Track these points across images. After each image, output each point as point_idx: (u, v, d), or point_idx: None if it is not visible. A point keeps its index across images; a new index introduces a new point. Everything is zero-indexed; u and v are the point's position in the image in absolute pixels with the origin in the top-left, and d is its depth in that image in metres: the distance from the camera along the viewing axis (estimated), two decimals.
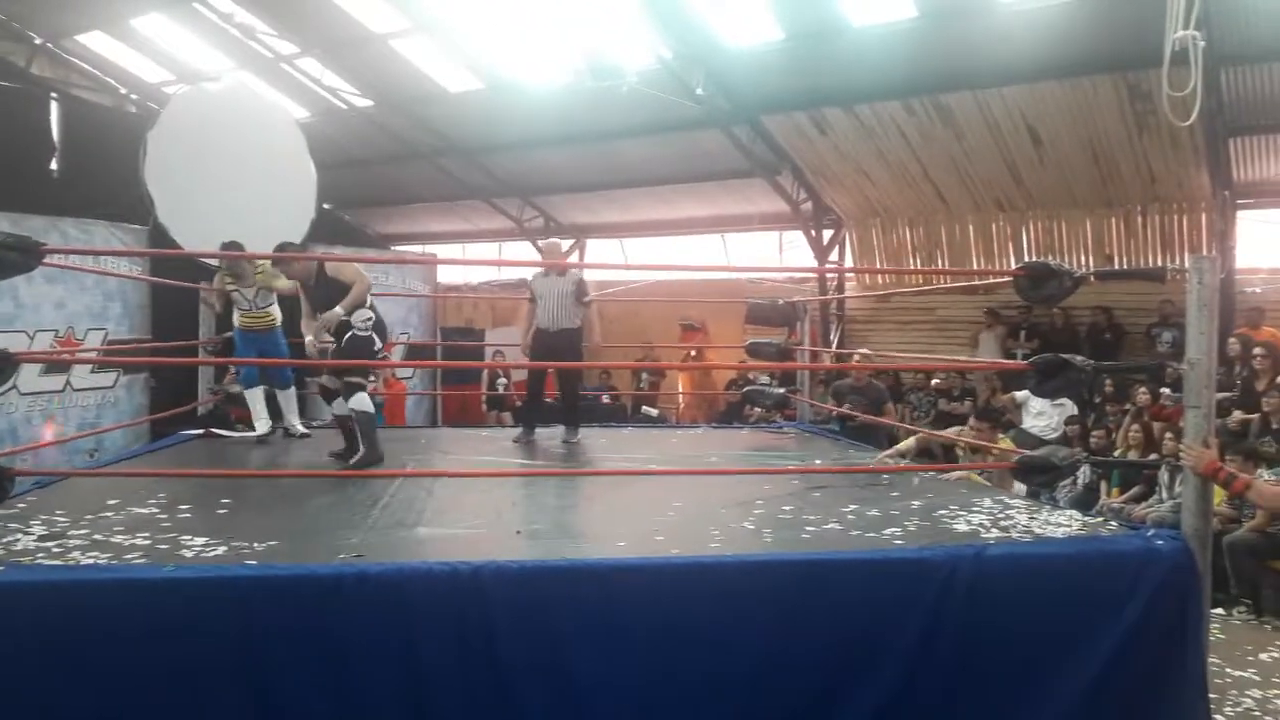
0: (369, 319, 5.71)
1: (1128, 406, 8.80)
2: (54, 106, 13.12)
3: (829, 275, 13.89)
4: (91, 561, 3.39)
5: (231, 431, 6.95)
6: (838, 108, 11.17)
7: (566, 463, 6.29)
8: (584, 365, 8.54)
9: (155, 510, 4.22)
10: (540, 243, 7.34)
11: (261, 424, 6.81)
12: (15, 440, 8.20)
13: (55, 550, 3.52)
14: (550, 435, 7.03)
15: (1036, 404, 9.06)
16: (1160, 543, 3.67)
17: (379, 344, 5.77)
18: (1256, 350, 8.43)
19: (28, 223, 8.33)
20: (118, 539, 3.69)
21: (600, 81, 11.18)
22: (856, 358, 10.50)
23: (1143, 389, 8.70)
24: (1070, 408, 9.06)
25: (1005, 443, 7.03)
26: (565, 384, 7.13)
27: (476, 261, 18.79)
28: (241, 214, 9.11)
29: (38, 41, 15.02)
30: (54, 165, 12.59)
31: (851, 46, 9.96)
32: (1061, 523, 4.20)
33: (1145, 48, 7.20)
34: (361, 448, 5.61)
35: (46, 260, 4.05)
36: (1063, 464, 4.42)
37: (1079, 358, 4.44)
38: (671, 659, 3.33)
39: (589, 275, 7.68)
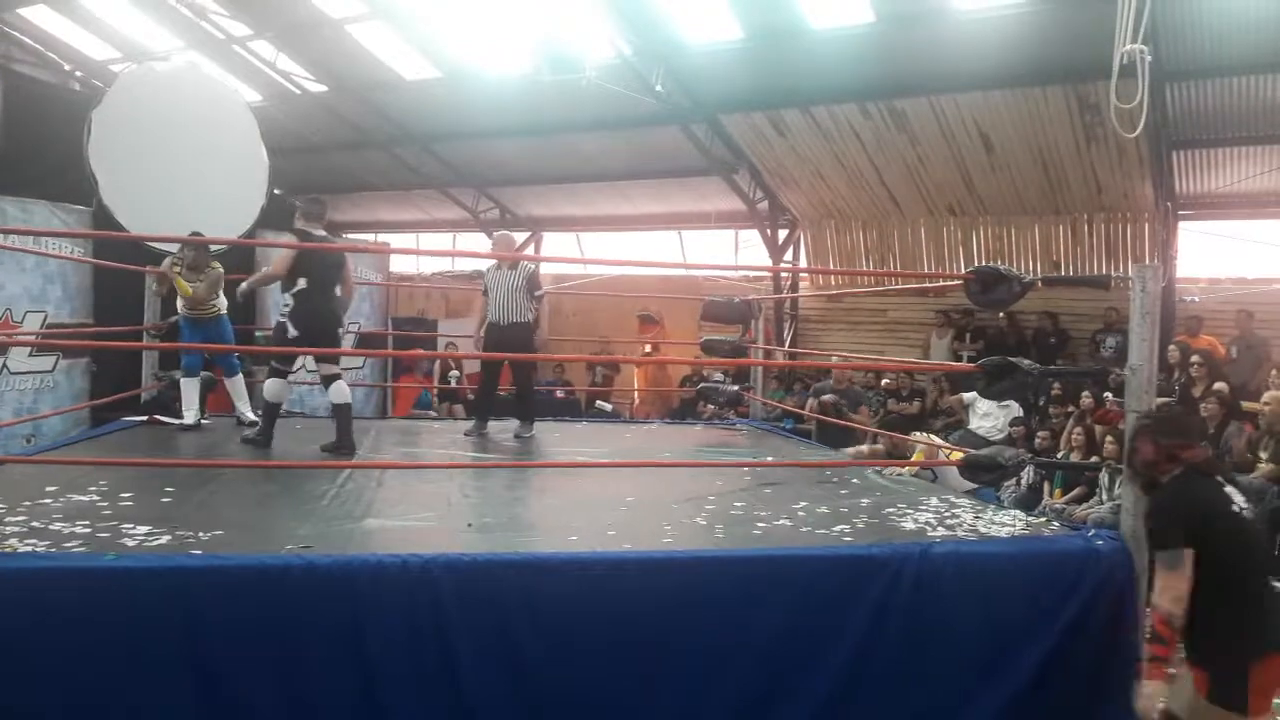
0: (287, 306, 5.73)
1: (1071, 409, 9.00)
2: None
3: (783, 274, 14.00)
4: (30, 549, 3.30)
5: (175, 419, 6.81)
6: (795, 109, 11.25)
7: (519, 456, 6.28)
8: (538, 358, 8.51)
9: (96, 498, 4.13)
10: (494, 235, 7.30)
11: (190, 413, 6.69)
12: None
13: None
14: (503, 429, 7.00)
15: (983, 405, 9.23)
16: (1100, 543, 3.78)
17: (293, 332, 5.71)
18: (1194, 358, 8.69)
19: None
20: (56, 527, 3.61)
21: (559, 75, 11.13)
22: (835, 359, 10.62)
23: (1086, 393, 8.90)
24: (1016, 410, 9.24)
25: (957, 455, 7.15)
26: (519, 377, 7.09)
27: (430, 252, 18.64)
28: (190, 198, 8.91)
29: None
30: None
31: (810, 48, 10.04)
32: (1006, 522, 4.29)
33: (1095, 60, 7.36)
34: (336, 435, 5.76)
35: None
36: (1008, 464, 4.52)
37: (1026, 361, 4.55)
38: (623, 652, 3.34)
39: (545, 269, 7.64)
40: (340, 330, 6.09)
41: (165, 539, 3.50)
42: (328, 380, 5.99)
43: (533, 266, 6.93)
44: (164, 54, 13.52)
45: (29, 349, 8.88)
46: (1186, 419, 3.65)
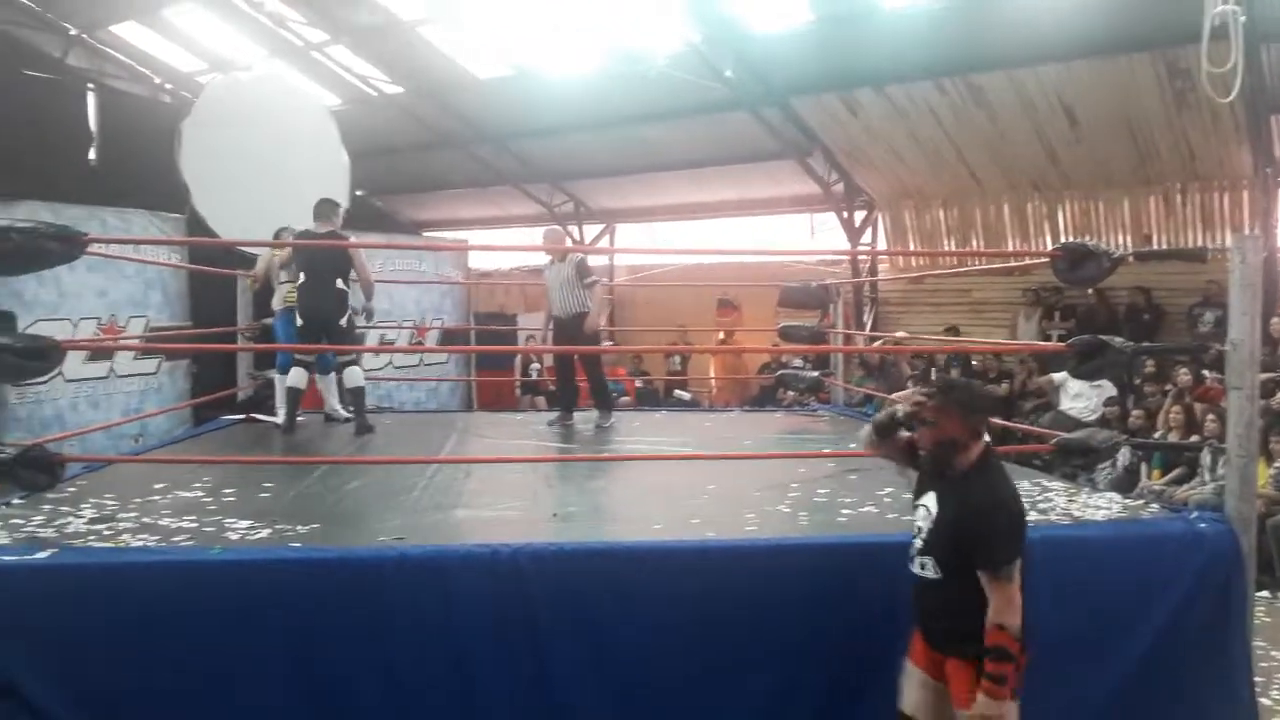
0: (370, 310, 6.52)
1: (1168, 388, 8.68)
2: (90, 97, 13.30)
3: (861, 258, 13.78)
4: (141, 544, 3.47)
5: (271, 416, 7.06)
6: (869, 88, 11.05)
7: (600, 447, 6.33)
8: (607, 350, 8.55)
9: (200, 494, 4.31)
10: (542, 231, 7.41)
11: (281, 412, 6.84)
12: (62, 426, 8.38)
13: (106, 533, 3.61)
14: (586, 419, 7.06)
15: (1075, 386, 8.96)
16: (1203, 526, 3.64)
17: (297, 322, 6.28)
18: None
19: (67, 212, 8.45)
20: (165, 522, 3.78)
21: (629, 66, 11.14)
22: (893, 340, 10.44)
23: (1184, 370, 8.57)
24: (1109, 389, 8.95)
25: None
26: (587, 369, 7.10)
27: (504, 247, 18.83)
28: (275, 201, 9.19)
29: (73, 33, 15.19)
30: (92, 155, 12.77)
31: (882, 27, 9.85)
32: (1101, 505, 4.17)
33: (1183, 24, 7.07)
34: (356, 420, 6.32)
35: (88, 249, 4.13)
36: (1102, 446, 4.38)
37: (1118, 339, 4.39)
38: (709, 640, 3.36)
39: (619, 260, 7.67)
40: (345, 320, 6.35)
41: (265, 533, 3.65)
42: (342, 365, 6.47)
43: (580, 256, 6.97)
44: (247, 64, 13.97)
45: (133, 353, 9.31)
46: (986, 390, 3.29)
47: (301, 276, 6.15)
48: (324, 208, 6.36)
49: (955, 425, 2.89)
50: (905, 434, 3.11)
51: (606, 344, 9.45)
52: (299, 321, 6.23)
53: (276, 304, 6.98)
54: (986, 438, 2.96)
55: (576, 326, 6.70)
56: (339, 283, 6.17)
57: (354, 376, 6.33)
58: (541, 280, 7.17)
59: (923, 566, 2.94)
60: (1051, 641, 3.45)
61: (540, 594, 3.28)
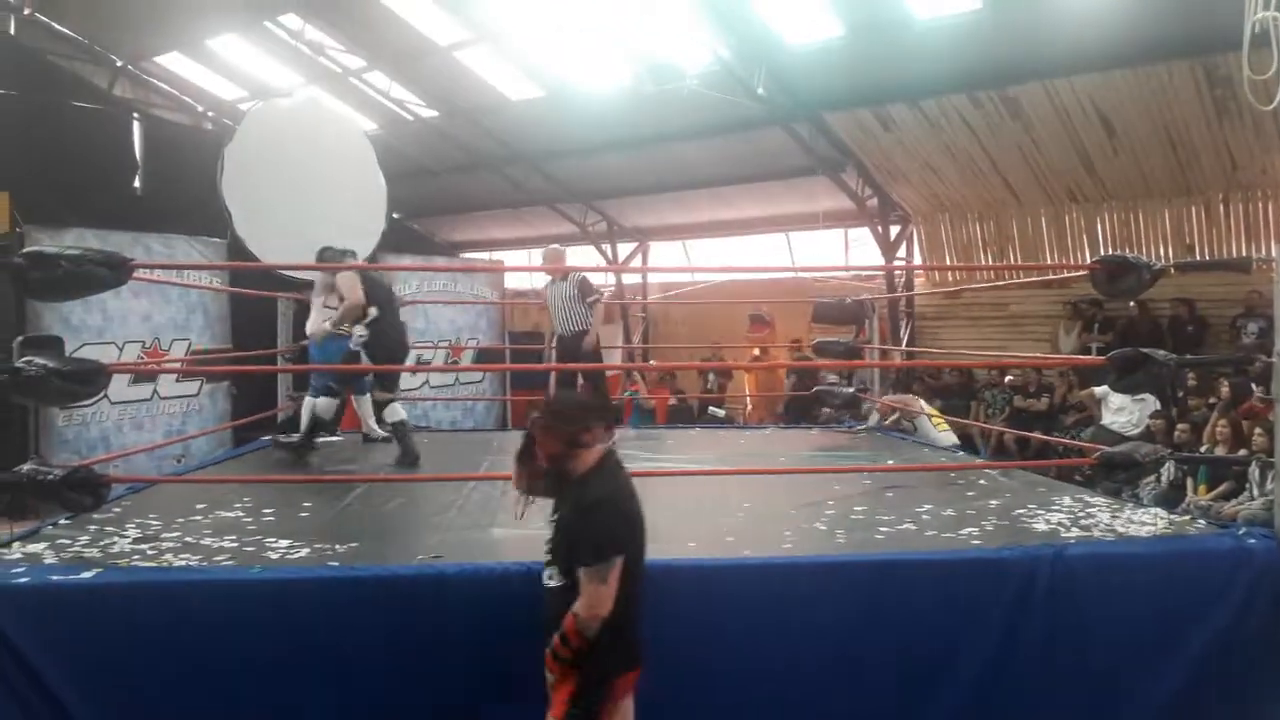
0: (363, 337, 6.01)
1: (1213, 400, 8.51)
2: (136, 126, 13.66)
3: (896, 272, 13.68)
4: (184, 563, 3.53)
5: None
6: (902, 103, 11.01)
7: (633, 464, 6.30)
8: (614, 367, 8.54)
9: (241, 514, 4.36)
10: (542, 251, 7.45)
11: (298, 435, 6.78)
12: (107, 447, 8.55)
13: (150, 553, 3.67)
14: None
15: (1116, 399, 8.81)
16: (1253, 541, 3.56)
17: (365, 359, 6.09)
18: None
19: (113, 238, 8.67)
20: (207, 541, 3.83)
21: (660, 84, 11.20)
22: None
23: (1227, 382, 8.40)
24: (1152, 403, 8.79)
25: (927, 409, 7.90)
26: (594, 386, 7.02)
27: (539, 268, 18.89)
28: (315, 225, 9.34)
29: (119, 64, 15.60)
30: (137, 183, 13.11)
31: (915, 40, 9.81)
32: (1146, 521, 4.09)
33: (1223, 31, 6.96)
34: (400, 450, 6.09)
35: (133, 275, 4.21)
36: (1146, 460, 4.30)
37: (1160, 352, 4.31)
38: (746, 659, 3.33)
39: (653, 279, 7.67)
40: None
41: (305, 551, 3.68)
42: (381, 406, 6.39)
43: (582, 275, 6.97)
44: (287, 90, 14.23)
45: (176, 375, 9.48)
46: (580, 399, 3.25)
47: (373, 312, 6.08)
48: (329, 254, 6.44)
49: (555, 439, 2.96)
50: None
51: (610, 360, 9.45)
52: (366, 357, 6.07)
53: (312, 327, 6.99)
54: (604, 444, 2.99)
55: (578, 344, 6.72)
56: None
57: (394, 412, 6.27)
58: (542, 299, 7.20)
59: (550, 577, 2.93)
60: (1096, 660, 3.39)
61: None
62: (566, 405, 3.16)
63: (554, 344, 6.89)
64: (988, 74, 10.16)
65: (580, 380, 6.94)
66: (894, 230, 13.37)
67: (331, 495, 4.84)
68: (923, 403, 8.11)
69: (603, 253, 16.87)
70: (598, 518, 2.82)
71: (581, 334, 6.73)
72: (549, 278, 7.04)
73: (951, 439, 7.60)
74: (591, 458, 2.95)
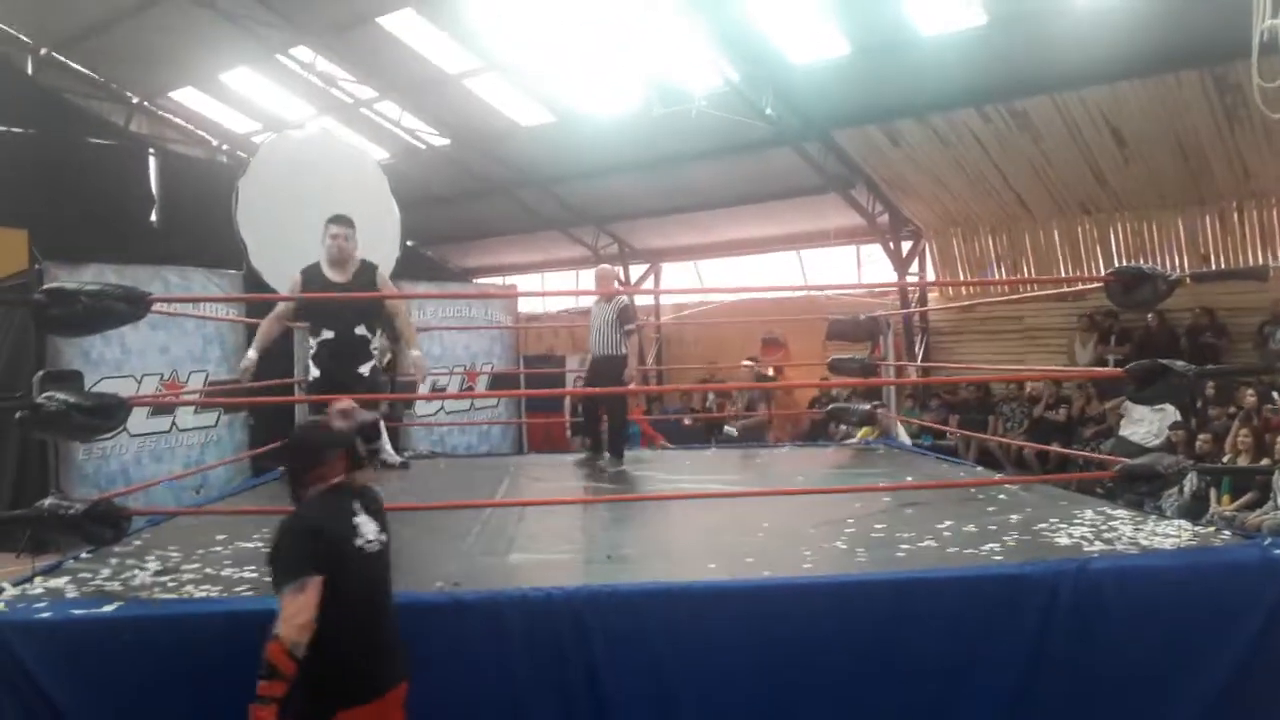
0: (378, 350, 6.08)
1: (1233, 410, 8.43)
2: (152, 161, 13.82)
3: (909, 288, 13.66)
4: (204, 594, 3.53)
5: None
6: (910, 119, 11.04)
7: (651, 487, 6.30)
8: (654, 390, 8.54)
9: (260, 544, 4.35)
10: (593, 270, 7.49)
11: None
12: (127, 480, 8.58)
13: (170, 585, 3.67)
14: (633, 459, 7.04)
15: (1136, 411, 8.75)
16: (1279, 552, 3.51)
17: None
18: None
19: (131, 272, 8.75)
20: (227, 572, 3.84)
21: (669, 107, 11.26)
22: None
23: (1250, 391, 8.32)
24: (1172, 413, 8.72)
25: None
26: (610, 410, 6.99)
27: (552, 293, 19.02)
28: None
29: (135, 100, 15.85)
30: (154, 217, 13.24)
31: (921, 56, 9.85)
32: (1170, 533, 4.05)
33: (1231, 39, 6.96)
34: None
35: (151, 308, 4.25)
36: (1168, 472, 4.26)
37: (1179, 363, 4.27)
38: (767, 680, 3.31)
39: (665, 300, 7.69)
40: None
41: None
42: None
43: (625, 300, 6.98)
44: (299, 122, 14.41)
45: (194, 407, 9.53)
46: (316, 436, 3.22)
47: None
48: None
49: (289, 468, 3.09)
50: None
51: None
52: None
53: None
54: (339, 475, 3.01)
55: (609, 367, 6.72)
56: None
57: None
58: (587, 319, 7.24)
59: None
60: (1123, 675, 3.35)
61: (598, 636, 3.27)
62: (301, 440, 3.20)
63: (585, 364, 6.92)
64: (995, 88, 10.18)
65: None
66: (906, 246, 13.36)
67: None
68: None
69: (616, 275, 16.90)
70: (285, 539, 2.86)
71: (612, 358, 6.74)
72: (596, 297, 7.10)
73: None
74: (314, 488, 2.99)
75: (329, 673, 2.78)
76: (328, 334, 5.73)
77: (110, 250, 9.53)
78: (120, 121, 15.65)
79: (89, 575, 3.79)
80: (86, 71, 15.01)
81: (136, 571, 3.85)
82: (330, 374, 5.67)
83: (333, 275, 5.76)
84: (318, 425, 3.67)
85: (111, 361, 8.90)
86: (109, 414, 3.98)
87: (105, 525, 3.94)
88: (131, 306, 3.99)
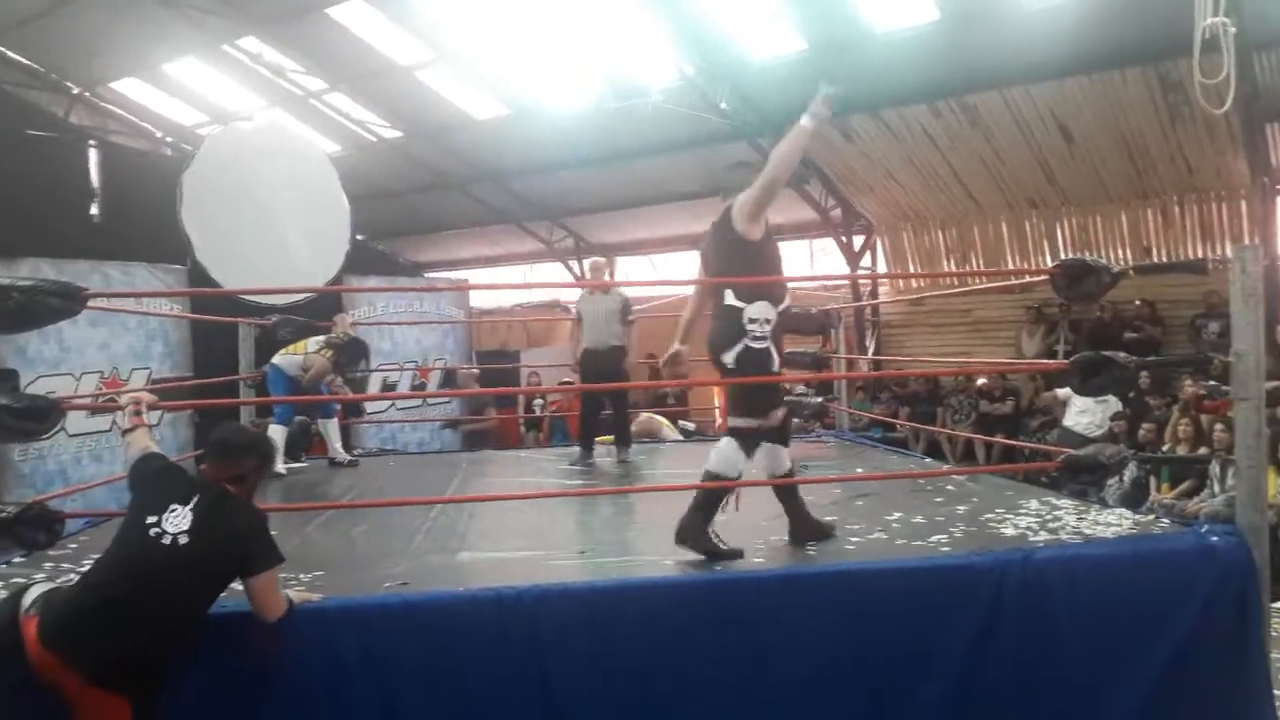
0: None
1: (1170, 399, 8.62)
2: (92, 153, 13.45)
3: (861, 281, 13.77)
4: None
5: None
6: (863, 114, 11.12)
7: (610, 480, 6.28)
8: (630, 386, 8.56)
9: None
10: (587, 262, 7.51)
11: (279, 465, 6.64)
12: (65, 481, 8.37)
13: None
14: (605, 454, 7.02)
15: (1079, 401, 8.91)
16: (1215, 539, 3.59)
17: None
18: None
19: (71, 267, 8.53)
20: None
21: (624, 101, 11.23)
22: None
23: (1189, 381, 8.52)
24: (1114, 404, 8.90)
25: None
26: (616, 402, 7.14)
27: (506, 285, 18.92)
28: (278, 249, 9.25)
29: (75, 91, 15.41)
30: (94, 210, 12.89)
31: (874, 52, 9.91)
32: (1111, 522, 4.12)
33: (1174, 37, 7.09)
34: None
35: (89, 304, 4.13)
36: (1110, 461, 4.33)
37: (1122, 354, 4.34)
38: (723, 676, 3.30)
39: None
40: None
41: None
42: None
43: (624, 292, 7.03)
44: (247, 114, 14.13)
45: None
46: (241, 436, 3.48)
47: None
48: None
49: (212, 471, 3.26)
50: None
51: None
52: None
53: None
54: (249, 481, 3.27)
55: (611, 360, 6.75)
56: None
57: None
58: (556, 315, 7.23)
59: None
60: (1068, 661, 3.40)
61: (550, 635, 3.24)
62: (227, 441, 3.33)
63: (580, 356, 6.87)
64: (946, 84, 10.29)
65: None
66: (858, 240, 13.47)
67: (296, 522, 4.76)
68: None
69: (569, 269, 16.86)
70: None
71: (615, 349, 6.79)
72: (583, 291, 7.17)
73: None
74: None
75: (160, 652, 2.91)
76: None
77: (49, 245, 9.27)
78: (60, 113, 15.22)
79: (23, 579, 3.66)
80: (24, 61, 14.56)
81: (73, 576, 3.74)
82: None
83: None
84: (242, 428, 3.84)
85: (49, 359, 8.68)
86: (41, 417, 3.86)
87: (39, 529, 3.81)
88: (66, 302, 3.87)
